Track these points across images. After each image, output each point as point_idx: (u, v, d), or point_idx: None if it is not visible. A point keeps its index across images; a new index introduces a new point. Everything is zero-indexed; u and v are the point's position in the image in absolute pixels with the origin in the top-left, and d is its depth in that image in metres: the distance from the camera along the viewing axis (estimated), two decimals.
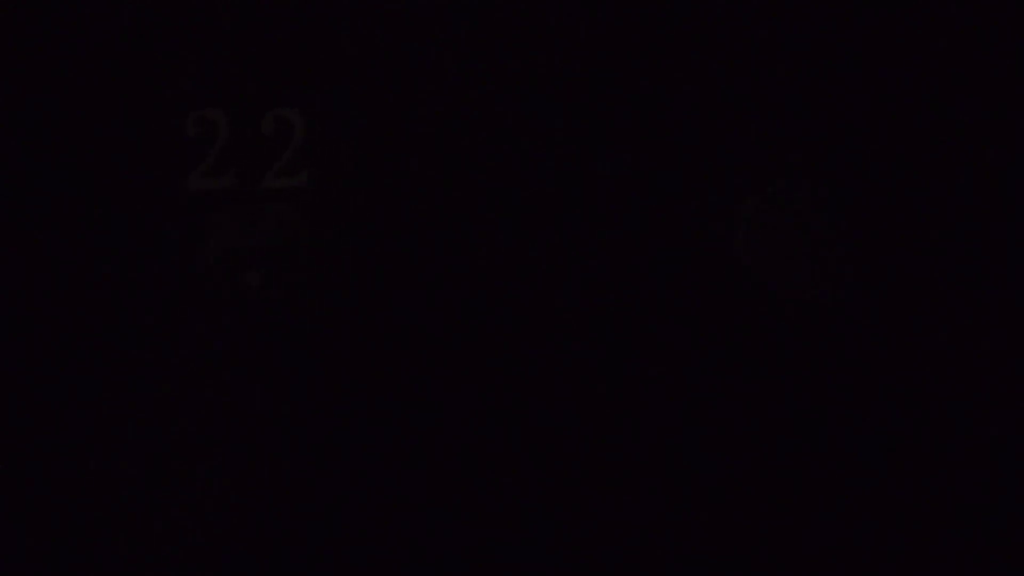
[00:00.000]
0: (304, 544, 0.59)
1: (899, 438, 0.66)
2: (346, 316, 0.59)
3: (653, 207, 0.59)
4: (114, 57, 0.56)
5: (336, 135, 0.58)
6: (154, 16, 0.56)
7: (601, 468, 0.59)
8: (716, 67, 0.59)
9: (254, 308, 0.57)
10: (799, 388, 0.63)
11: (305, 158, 0.58)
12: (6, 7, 0.54)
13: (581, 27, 0.58)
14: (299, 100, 0.58)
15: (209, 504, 0.58)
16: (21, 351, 0.56)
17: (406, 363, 0.58)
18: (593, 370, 0.59)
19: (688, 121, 0.59)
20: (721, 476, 0.61)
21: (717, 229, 0.59)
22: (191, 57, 0.56)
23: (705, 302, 0.60)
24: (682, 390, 0.60)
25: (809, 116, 0.60)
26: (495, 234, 0.58)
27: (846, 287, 0.61)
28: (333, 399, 0.59)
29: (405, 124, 0.58)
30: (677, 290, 0.59)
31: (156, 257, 0.57)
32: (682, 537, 0.60)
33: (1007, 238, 0.67)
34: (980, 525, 0.66)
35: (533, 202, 0.58)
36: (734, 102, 0.59)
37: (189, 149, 0.56)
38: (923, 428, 0.66)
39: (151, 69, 0.56)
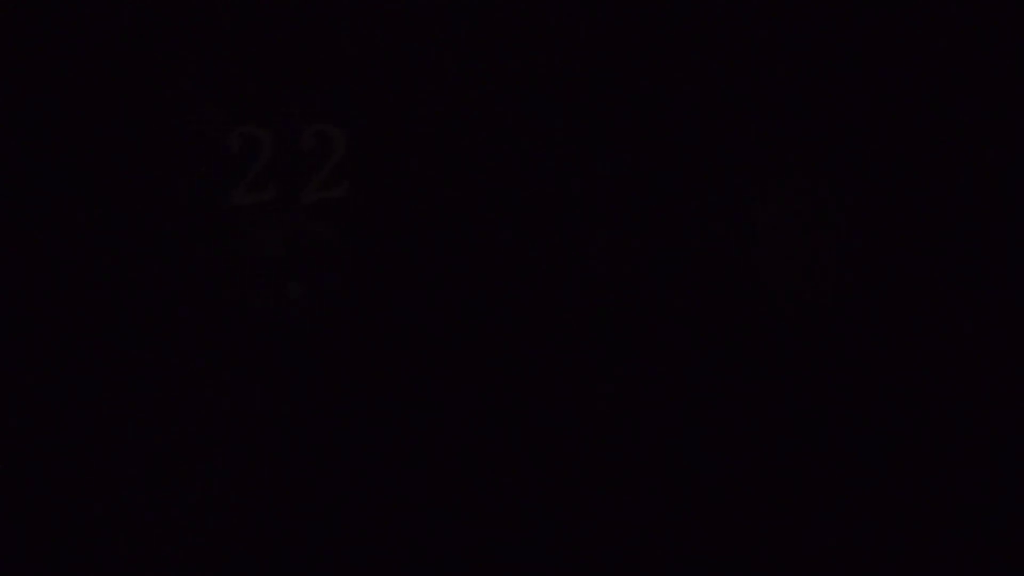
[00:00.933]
0: (322, 544, 0.61)
1: (899, 431, 0.68)
2: (384, 325, 0.60)
3: (661, 207, 0.60)
4: (159, 76, 0.56)
5: (375, 149, 0.59)
6: (197, 37, 0.56)
7: (605, 462, 0.61)
8: (721, 70, 0.61)
9: (296, 318, 0.59)
10: (799, 384, 0.65)
11: (345, 171, 0.59)
12: (43, 27, 0.55)
13: (601, 35, 0.60)
14: (339, 115, 0.59)
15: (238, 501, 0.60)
16: (67, 357, 0.58)
17: (441, 368, 0.60)
18: (610, 368, 0.61)
19: (693, 123, 0.61)
20: (720, 468, 0.63)
21: (723, 230, 0.60)
22: (234, 75, 0.57)
23: (709, 300, 0.61)
24: (685, 386, 0.62)
25: (812, 119, 0.61)
26: (528, 242, 0.60)
27: (851, 286, 0.63)
28: (370, 404, 0.60)
29: (441, 137, 0.60)
30: (679, 287, 0.60)
31: (200, 269, 0.58)
32: (679, 529, 0.62)
33: (1007, 239, 0.69)
34: (970, 517, 0.69)
35: (566, 209, 0.60)
36: (738, 104, 0.61)
37: (232, 164, 0.58)
38: (923, 424, 0.68)
39: (195, 88, 0.57)
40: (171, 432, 0.60)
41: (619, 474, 0.63)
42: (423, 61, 0.60)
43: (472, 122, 0.60)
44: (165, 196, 0.58)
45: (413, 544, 0.62)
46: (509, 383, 0.62)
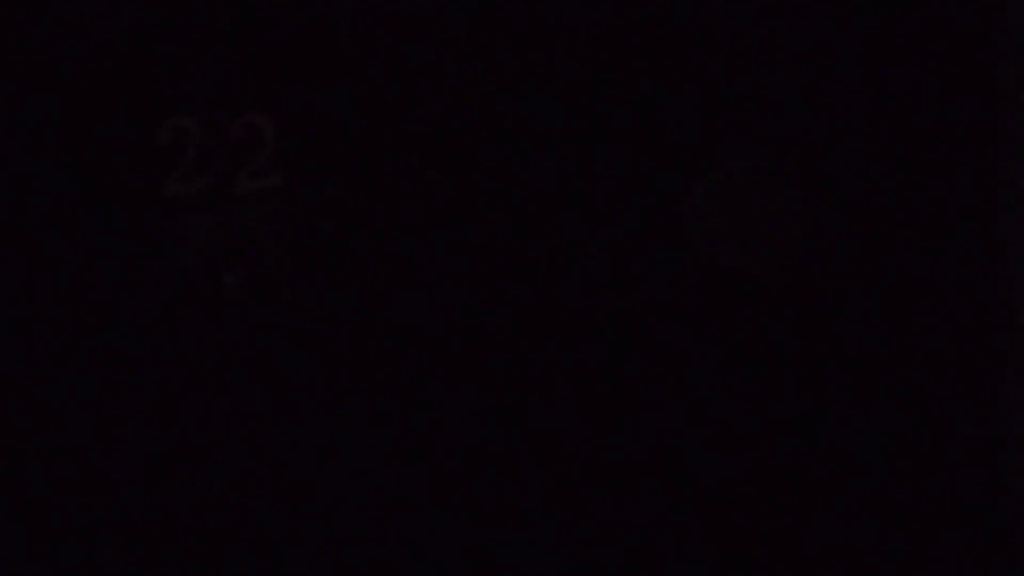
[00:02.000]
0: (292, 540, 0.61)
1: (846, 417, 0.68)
2: (321, 312, 0.61)
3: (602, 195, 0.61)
4: (88, 67, 0.57)
5: (306, 138, 0.60)
6: (123, 26, 0.57)
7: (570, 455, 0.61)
8: (665, 58, 0.61)
9: (232, 306, 0.59)
10: (749, 369, 0.65)
11: (277, 161, 0.60)
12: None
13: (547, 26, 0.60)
14: (269, 105, 0.60)
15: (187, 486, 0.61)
16: (4, 349, 0.59)
17: (376, 352, 0.60)
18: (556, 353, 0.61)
19: (635, 109, 0.61)
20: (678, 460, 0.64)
21: (666, 214, 0.61)
22: (162, 66, 0.58)
23: (661, 288, 0.62)
24: (638, 375, 0.62)
25: (755, 104, 0.61)
26: (461, 229, 0.61)
27: (796, 266, 0.63)
28: (310, 391, 0.61)
29: (374, 125, 0.60)
30: (627, 275, 0.61)
31: (135, 260, 0.59)
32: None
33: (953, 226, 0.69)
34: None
35: (501, 195, 0.61)
36: (684, 91, 0.61)
37: (163, 156, 0.58)
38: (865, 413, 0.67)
39: (123, 78, 0.58)
40: (111, 420, 0.61)
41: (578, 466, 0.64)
42: (350, 50, 0.61)
43: (406, 109, 0.61)
44: (95, 188, 0.59)
45: (360, 530, 0.62)
46: (448, 366, 0.62)
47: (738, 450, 0.63)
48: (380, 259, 0.61)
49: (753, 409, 0.63)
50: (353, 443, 0.61)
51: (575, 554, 0.63)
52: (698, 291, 0.61)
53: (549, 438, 0.62)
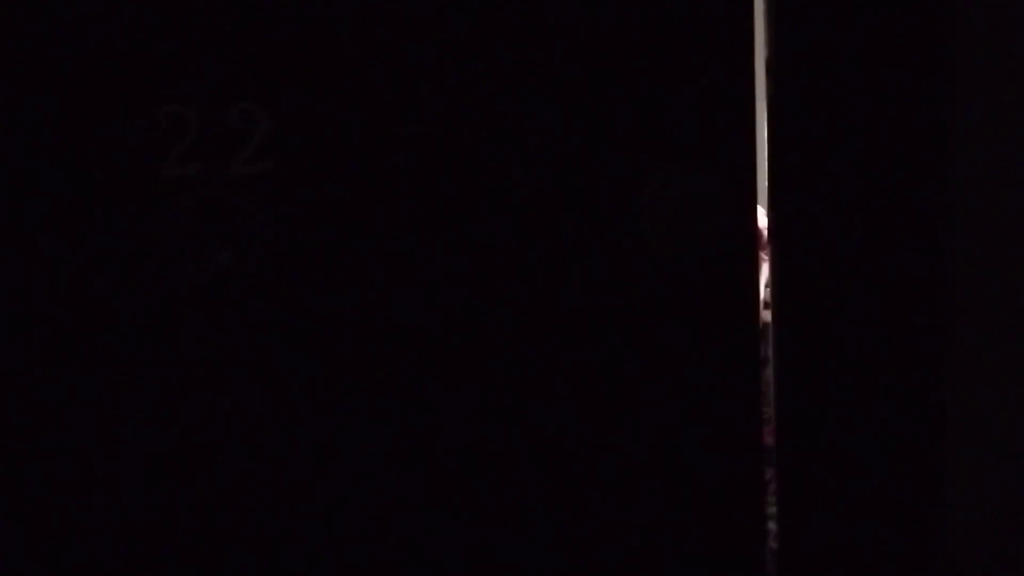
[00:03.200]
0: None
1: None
2: (309, 290, 0.65)
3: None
4: (94, 58, 0.61)
5: (298, 127, 0.63)
6: (127, 19, 0.60)
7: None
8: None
9: (227, 282, 0.63)
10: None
11: (269, 148, 0.63)
12: None
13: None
14: (263, 94, 0.63)
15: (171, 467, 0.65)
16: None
17: (362, 331, 0.64)
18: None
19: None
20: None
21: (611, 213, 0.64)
22: (163, 56, 0.61)
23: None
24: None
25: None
26: (444, 214, 0.64)
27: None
28: (299, 368, 0.65)
29: (362, 117, 0.64)
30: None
31: (133, 237, 0.62)
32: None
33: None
34: None
35: (480, 185, 0.64)
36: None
37: (162, 140, 0.62)
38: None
39: (127, 68, 0.61)
40: (106, 401, 0.64)
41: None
42: (342, 47, 0.64)
43: (392, 104, 0.64)
44: (96, 169, 0.62)
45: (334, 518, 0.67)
46: (435, 349, 0.66)
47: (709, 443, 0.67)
48: (361, 241, 0.64)
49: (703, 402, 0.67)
50: (341, 426, 0.65)
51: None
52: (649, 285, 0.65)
53: (515, 430, 0.66)
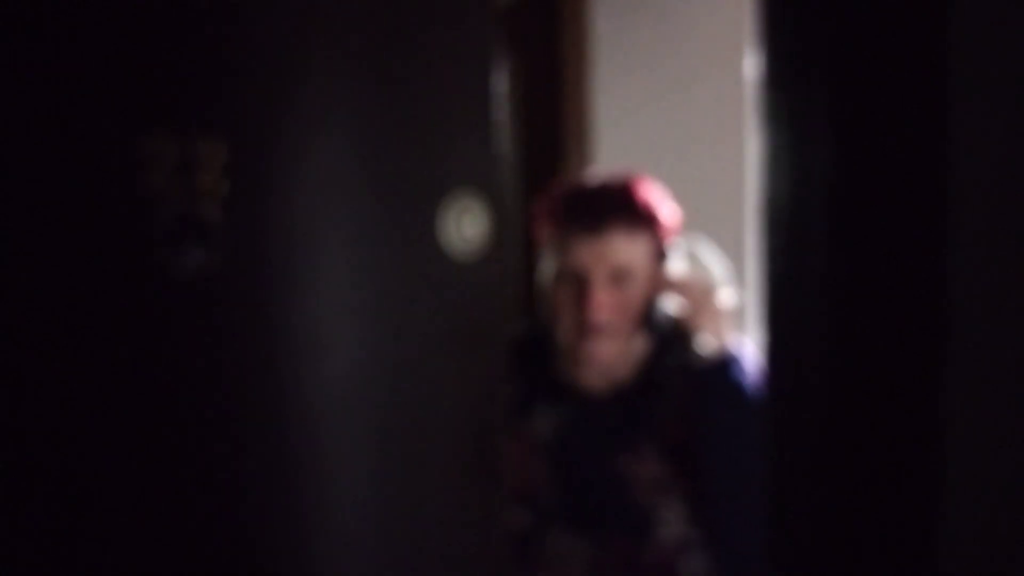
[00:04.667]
0: None
1: None
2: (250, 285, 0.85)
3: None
4: (99, 98, 0.77)
5: (248, 158, 0.85)
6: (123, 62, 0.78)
7: None
8: None
9: (199, 276, 0.82)
10: None
11: (227, 172, 0.84)
12: None
13: None
14: (222, 131, 0.83)
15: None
16: None
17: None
18: None
19: None
20: None
21: None
22: (151, 91, 0.80)
23: None
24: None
25: None
26: None
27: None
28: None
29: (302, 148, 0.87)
30: None
31: (129, 241, 0.79)
32: None
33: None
34: None
35: None
36: None
37: (144, 163, 0.80)
38: None
39: (123, 100, 0.78)
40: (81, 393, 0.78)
41: None
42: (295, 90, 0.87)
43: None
44: (96, 187, 0.78)
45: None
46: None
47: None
48: (303, 247, 0.87)
49: None
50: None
51: None
52: None
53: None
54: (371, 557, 0.96)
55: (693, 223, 2.82)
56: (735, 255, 3.03)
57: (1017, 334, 0.57)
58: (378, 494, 0.96)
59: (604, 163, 3.11)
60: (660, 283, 1.55)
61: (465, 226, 0.95)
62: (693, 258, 1.59)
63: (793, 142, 0.66)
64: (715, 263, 1.59)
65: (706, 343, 1.52)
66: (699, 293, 1.55)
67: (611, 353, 1.54)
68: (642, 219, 1.55)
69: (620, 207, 1.54)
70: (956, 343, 0.58)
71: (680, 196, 3.13)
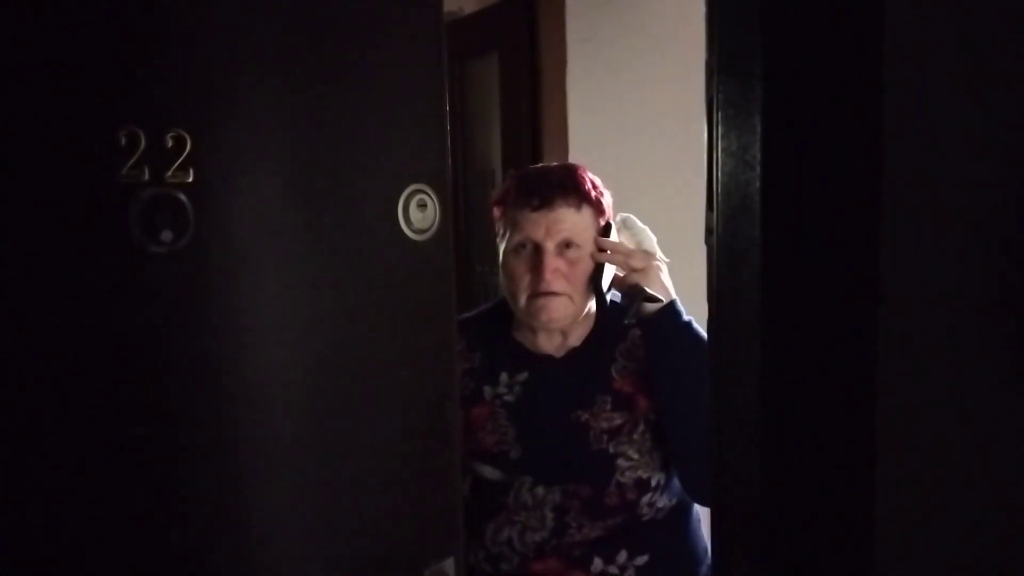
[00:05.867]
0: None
1: None
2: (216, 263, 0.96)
3: None
4: (74, 90, 0.86)
5: (214, 147, 0.95)
6: (105, 62, 0.88)
7: None
8: None
9: (168, 253, 0.92)
10: None
11: (192, 162, 0.94)
12: None
13: None
14: (188, 123, 0.93)
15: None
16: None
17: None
18: None
19: None
20: None
21: None
22: (123, 90, 0.89)
23: None
24: None
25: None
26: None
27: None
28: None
29: (267, 142, 0.97)
30: None
31: (98, 225, 0.88)
32: None
33: None
34: None
35: None
36: None
37: (121, 152, 0.90)
38: None
39: (97, 96, 0.87)
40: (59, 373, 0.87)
41: None
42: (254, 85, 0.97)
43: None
44: (75, 173, 0.87)
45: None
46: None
47: None
48: (267, 231, 0.98)
49: None
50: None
51: None
52: None
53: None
54: (329, 521, 1.03)
55: (658, 205, 2.94)
56: (696, 233, 3.15)
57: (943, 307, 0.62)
58: (339, 459, 1.04)
59: (577, 153, 3.22)
60: (606, 252, 1.77)
61: (417, 214, 1.07)
62: (630, 228, 1.81)
63: (732, 130, 0.73)
64: (647, 232, 1.82)
65: (651, 296, 1.73)
66: (640, 256, 1.77)
67: (564, 312, 1.74)
68: (585, 197, 1.77)
69: (567, 187, 1.75)
70: (887, 307, 0.61)
71: (645, 181, 3.25)
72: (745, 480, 0.69)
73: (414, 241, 1.08)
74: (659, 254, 1.80)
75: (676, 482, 1.80)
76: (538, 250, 1.71)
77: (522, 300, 1.73)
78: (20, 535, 0.85)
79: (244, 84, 0.96)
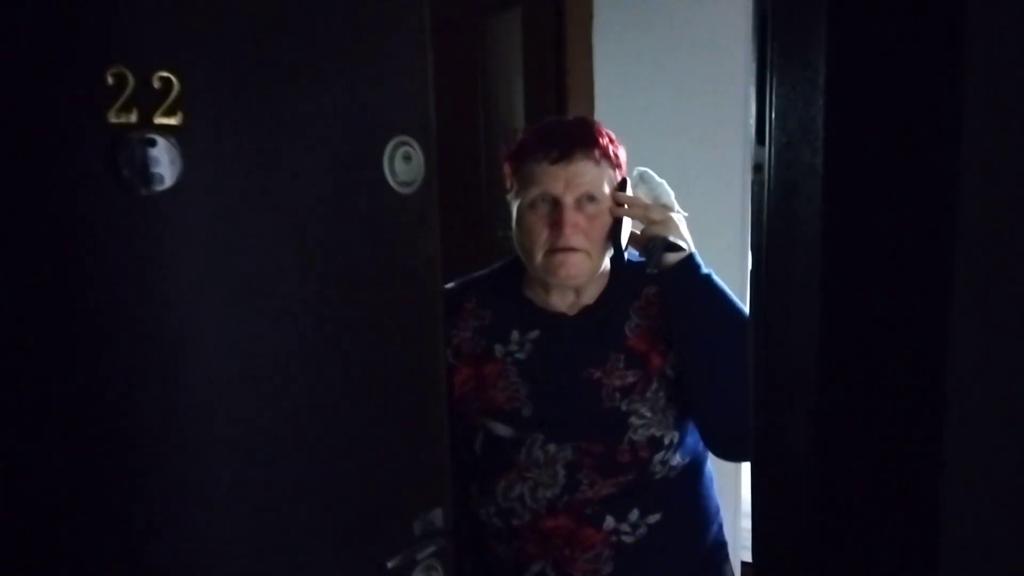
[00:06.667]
0: None
1: None
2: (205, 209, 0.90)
3: None
4: (61, 32, 0.81)
5: (202, 90, 0.89)
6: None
7: None
8: None
9: (160, 196, 0.86)
10: None
11: (179, 104, 0.88)
12: None
13: None
14: (176, 65, 0.87)
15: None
16: None
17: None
18: None
19: None
20: None
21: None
22: (111, 30, 0.84)
23: None
24: None
25: None
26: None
27: None
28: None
29: (249, 87, 0.90)
30: None
31: (87, 171, 0.83)
32: None
33: None
34: None
35: None
36: None
37: (108, 93, 0.84)
38: None
39: (85, 36, 0.82)
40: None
41: None
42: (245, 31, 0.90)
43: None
44: (60, 116, 0.82)
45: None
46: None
47: None
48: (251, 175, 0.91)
49: None
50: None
51: None
52: None
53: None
54: (317, 475, 1.02)
55: (689, 163, 2.85)
56: (732, 205, 3.06)
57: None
58: (325, 413, 1.03)
59: (604, 109, 3.12)
60: (624, 206, 1.74)
61: (402, 166, 1.05)
62: (647, 182, 1.78)
63: (791, 41, 0.63)
64: (664, 186, 1.78)
65: (673, 245, 1.71)
66: (659, 209, 1.74)
67: (582, 268, 1.71)
68: (603, 151, 1.73)
69: (586, 140, 1.72)
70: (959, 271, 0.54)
71: (675, 139, 3.15)
72: (797, 447, 0.62)
73: (400, 194, 1.07)
74: (677, 207, 1.77)
75: (690, 441, 1.79)
76: (556, 205, 1.67)
77: (539, 257, 1.70)
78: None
79: (227, 24, 0.93)
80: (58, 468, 0.84)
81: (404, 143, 1.05)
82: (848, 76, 0.55)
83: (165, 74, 0.88)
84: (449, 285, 1.87)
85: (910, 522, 0.59)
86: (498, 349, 1.76)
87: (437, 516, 1.10)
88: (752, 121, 0.64)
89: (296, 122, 0.98)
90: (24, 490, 0.82)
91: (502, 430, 1.72)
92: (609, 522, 1.65)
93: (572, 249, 1.66)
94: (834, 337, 0.56)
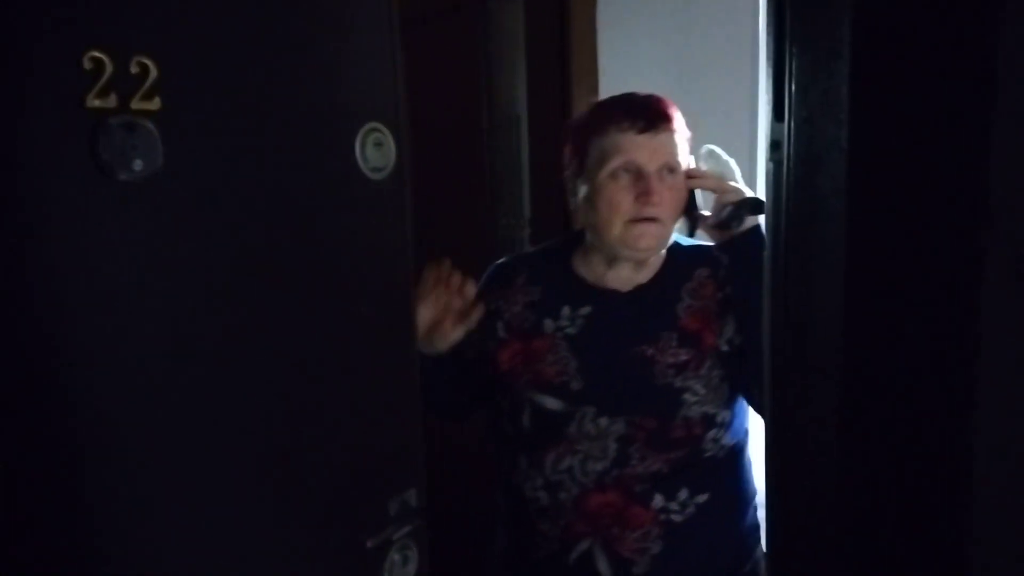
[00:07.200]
0: None
1: None
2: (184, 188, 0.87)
3: None
4: (39, 15, 0.77)
5: (179, 74, 0.85)
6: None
7: None
8: None
9: (139, 182, 0.82)
10: None
11: (157, 89, 0.84)
12: None
13: None
14: (153, 51, 0.84)
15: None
16: None
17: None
18: None
19: None
20: None
21: None
22: (87, 11, 0.80)
23: None
24: None
25: None
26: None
27: None
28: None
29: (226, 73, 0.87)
30: None
31: (68, 151, 0.79)
32: None
33: None
34: None
35: None
36: None
37: (86, 78, 0.80)
38: None
39: (60, 17, 0.79)
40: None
41: None
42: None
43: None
44: (41, 99, 0.79)
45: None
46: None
47: None
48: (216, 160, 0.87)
49: None
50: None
51: None
52: None
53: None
54: (292, 458, 1.04)
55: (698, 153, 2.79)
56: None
57: None
58: (298, 396, 1.05)
59: (608, 95, 3.06)
60: (696, 178, 1.78)
61: (373, 152, 1.07)
62: (714, 156, 1.81)
63: (810, 60, 0.59)
64: (731, 163, 1.82)
65: (757, 206, 1.72)
66: (727, 181, 1.77)
67: (660, 239, 1.74)
68: (680, 125, 1.77)
69: (667, 113, 1.74)
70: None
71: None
72: (818, 437, 0.58)
73: (371, 179, 1.08)
74: (743, 185, 1.79)
75: (739, 422, 1.80)
76: (639, 176, 1.67)
77: (617, 227, 1.69)
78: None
79: (201, 10, 0.93)
80: (36, 452, 0.83)
81: (375, 129, 1.07)
82: (875, 42, 0.50)
83: (143, 59, 0.85)
84: (501, 260, 1.90)
85: (936, 524, 0.59)
86: (548, 324, 1.76)
87: (411, 496, 1.12)
88: (768, 97, 0.59)
89: (270, 107, 0.98)
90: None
91: (551, 403, 1.71)
92: (658, 500, 1.64)
93: (653, 220, 1.66)
94: (859, 322, 0.52)
